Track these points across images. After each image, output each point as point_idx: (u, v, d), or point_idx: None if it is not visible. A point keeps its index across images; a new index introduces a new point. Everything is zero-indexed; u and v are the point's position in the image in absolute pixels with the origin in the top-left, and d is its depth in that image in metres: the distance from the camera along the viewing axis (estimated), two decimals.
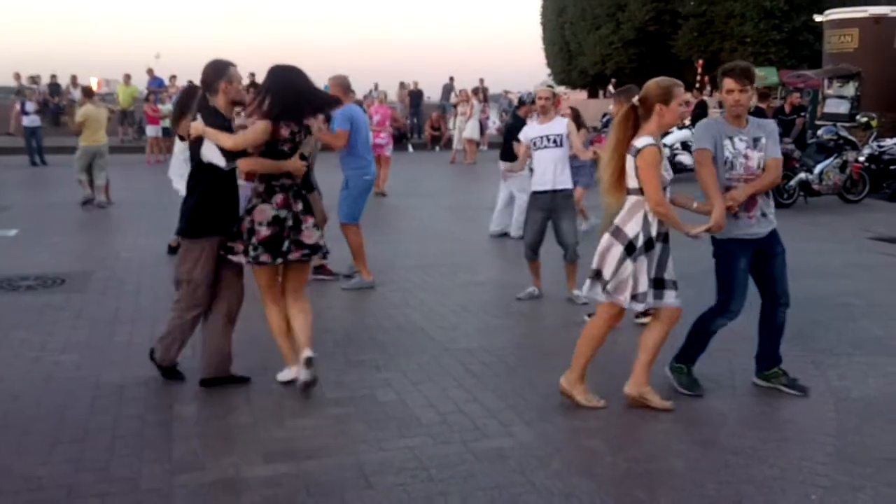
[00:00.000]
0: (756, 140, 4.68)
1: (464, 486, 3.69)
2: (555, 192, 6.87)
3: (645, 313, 6.18)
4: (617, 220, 4.46)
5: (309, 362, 4.66)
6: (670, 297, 4.48)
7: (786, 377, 4.92)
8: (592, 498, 3.62)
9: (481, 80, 26.41)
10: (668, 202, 4.45)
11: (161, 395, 4.78)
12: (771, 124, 4.92)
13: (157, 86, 23.15)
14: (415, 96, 26.63)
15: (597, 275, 4.52)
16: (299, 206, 4.80)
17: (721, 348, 5.23)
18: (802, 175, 12.80)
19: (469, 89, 24.00)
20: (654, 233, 4.37)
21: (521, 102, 9.92)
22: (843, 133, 13.47)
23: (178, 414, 4.49)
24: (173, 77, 23.63)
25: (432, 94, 29.71)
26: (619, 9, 33.10)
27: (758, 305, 4.96)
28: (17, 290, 7.25)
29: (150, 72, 24.66)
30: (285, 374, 4.97)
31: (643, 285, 4.37)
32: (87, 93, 13.29)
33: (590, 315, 6.34)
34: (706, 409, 4.65)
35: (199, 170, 4.73)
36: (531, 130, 7.06)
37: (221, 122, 4.69)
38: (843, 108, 19.07)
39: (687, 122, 16.32)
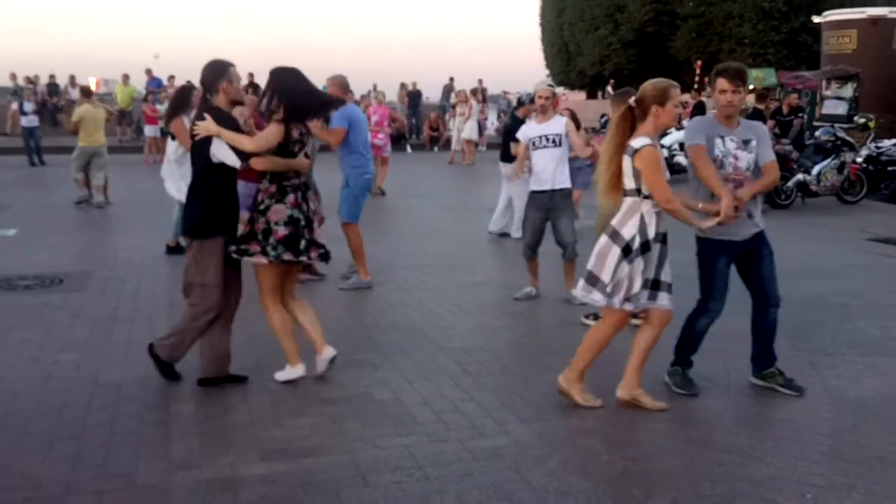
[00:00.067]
0: (746, 142, 4.70)
1: (459, 485, 3.70)
2: (553, 191, 6.88)
3: (635, 315, 6.24)
4: (614, 223, 4.48)
5: (332, 361, 5.03)
6: (664, 299, 4.50)
7: (782, 377, 4.94)
8: (588, 497, 3.63)
9: (480, 81, 26.46)
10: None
11: (159, 393, 4.80)
12: (761, 127, 4.95)
13: (155, 86, 23.18)
14: (413, 97, 26.65)
15: (593, 278, 4.53)
16: (309, 206, 4.91)
17: (716, 348, 5.25)
18: (800, 176, 12.83)
19: (468, 90, 24.02)
20: (651, 234, 4.39)
21: (520, 103, 9.94)
22: (841, 134, 13.50)
23: (176, 412, 4.51)
24: (172, 77, 23.66)
25: (431, 94, 29.77)
26: (618, 10, 33.14)
27: (750, 302, 4.98)
28: (16, 289, 7.27)
29: (148, 72, 24.69)
30: (285, 374, 4.99)
31: (637, 286, 4.39)
32: (86, 93, 13.31)
33: (587, 316, 6.38)
34: (701, 409, 4.67)
35: (209, 170, 4.69)
36: (530, 130, 7.06)
37: (234, 124, 4.72)
38: (841, 109, 19.10)
39: (685, 122, 16.33)
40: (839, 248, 9.73)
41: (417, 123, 26.45)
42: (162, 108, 19.14)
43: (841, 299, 7.16)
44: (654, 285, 4.46)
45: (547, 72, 40.50)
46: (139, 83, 24.49)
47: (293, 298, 5.05)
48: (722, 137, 4.67)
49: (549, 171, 6.85)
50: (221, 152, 4.63)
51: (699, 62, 29.26)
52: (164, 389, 4.86)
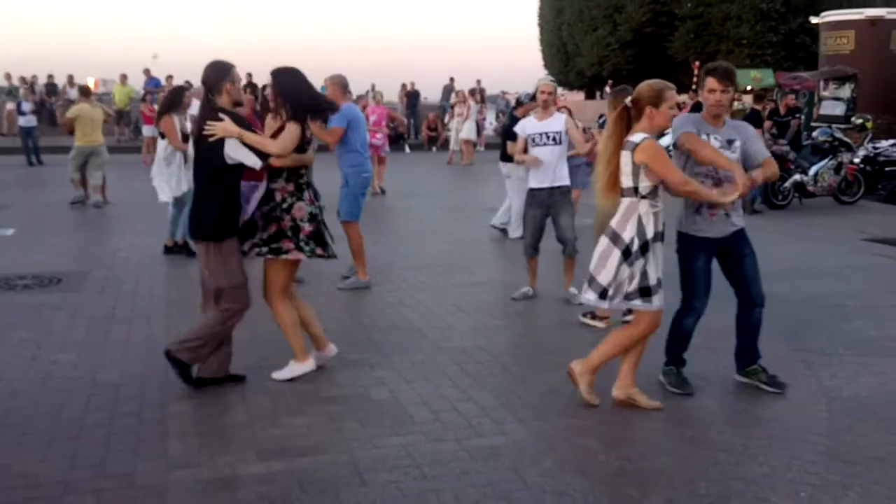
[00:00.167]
0: (730, 142, 4.72)
1: (456, 484, 3.72)
2: (552, 188, 6.89)
3: (629, 311, 6.26)
4: (614, 225, 4.49)
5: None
6: (656, 299, 4.51)
7: (765, 374, 4.96)
8: (585, 496, 3.65)
9: (478, 81, 26.46)
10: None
11: (157, 393, 4.81)
12: (747, 127, 4.97)
13: (153, 86, 23.17)
14: (412, 97, 26.65)
15: (591, 278, 4.55)
16: (320, 203, 5.05)
17: (707, 346, 5.27)
18: (797, 176, 12.84)
19: (466, 90, 24.03)
20: (649, 235, 4.40)
21: (519, 103, 9.95)
22: (838, 135, 13.52)
23: (174, 412, 4.52)
24: (170, 77, 23.66)
25: (430, 94, 29.78)
26: (616, 10, 33.16)
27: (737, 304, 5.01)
28: (14, 289, 7.28)
29: (146, 72, 24.70)
30: (290, 371, 5.03)
31: (635, 285, 4.40)
32: (84, 92, 13.34)
33: (585, 315, 6.40)
34: (697, 408, 4.69)
35: (222, 171, 4.65)
36: (529, 126, 7.03)
37: (248, 126, 4.73)
38: (838, 109, 19.13)
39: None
40: (836, 249, 9.75)
41: (416, 123, 26.46)
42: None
43: (838, 299, 7.18)
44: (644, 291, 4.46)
45: (546, 72, 40.53)
46: (137, 83, 24.49)
47: (293, 297, 5.12)
48: (707, 135, 4.69)
49: (550, 168, 6.86)
50: (239, 153, 4.61)
51: (697, 63, 29.25)
52: (163, 389, 4.87)
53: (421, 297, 7.19)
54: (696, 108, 18.93)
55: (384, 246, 9.30)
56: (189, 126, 8.81)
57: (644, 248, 4.39)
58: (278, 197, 4.89)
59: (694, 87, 28.05)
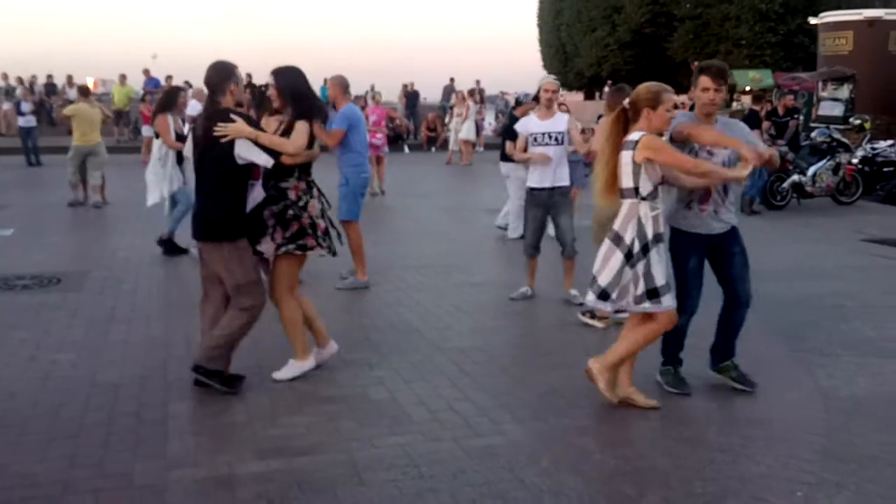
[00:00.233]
0: None
1: (453, 483, 3.73)
2: (553, 189, 6.89)
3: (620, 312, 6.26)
4: (616, 226, 4.50)
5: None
6: (665, 299, 4.52)
7: (736, 371, 4.98)
8: (581, 495, 3.66)
9: (477, 82, 26.50)
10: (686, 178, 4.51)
11: (156, 393, 4.82)
12: (740, 125, 4.99)
13: (153, 86, 23.19)
14: (411, 97, 26.66)
15: (593, 279, 4.57)
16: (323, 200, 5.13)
17: (705, 347, 5.26)
18: (795, 177, 12.86)
19: (465, 91, 24.04)
20: (650, 237, 4.41)
21: (518, 103, 9.97)
22: (836, 135, 13.54)
23: (173, 411, 4.54)
24: (169, 77, 23.68)
25: (430, 94, 29.79)
26: (615, 11, 33.17)
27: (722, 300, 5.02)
28: (14, 289, 7.29)
29: (146, 72, 24.72)
30: (286, 372, 5.05)
31: (641, 288, 4.41)
32: (84, 92, 13.38)
33: (584, 314, 6.41)
34: (694, 408, 4.70)
35: (233, 171, 4.64)
36: (532, 125, 7.00)
37: (258, 127, 4.75)
38: (837, 110, 19.13)
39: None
40: (834, 249, 9.77)
41: (415, 124, 26.48)
42: None
43: (836, 300, 7.19)
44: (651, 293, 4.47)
45: (546, 72, 40.56)
46: (137, 83, 24.51)
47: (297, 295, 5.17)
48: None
49: (551, 168, 6.85)
50: (251, 153, 4.61)
51: (696, 63, 29.27)
52: (161, 389, 4.88)
53: (419, 297, 7.20)
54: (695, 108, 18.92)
55: (383, 246, 9.31)
56: (186, 126, 8.83)
57: (644, 249, 4.40)
58: (292, 195, 4.92)
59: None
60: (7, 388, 4.88)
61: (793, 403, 4.78)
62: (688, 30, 30.35)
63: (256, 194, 4.92)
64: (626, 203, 4.47)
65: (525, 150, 7.00)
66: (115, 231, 10.49)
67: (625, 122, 4.55)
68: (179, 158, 8.77)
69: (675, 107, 4.49)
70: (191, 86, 22.33)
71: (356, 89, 8.42)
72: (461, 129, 21.21)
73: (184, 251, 8.82)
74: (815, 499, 3.64)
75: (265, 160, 4.65)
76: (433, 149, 24.66)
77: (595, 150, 6.29)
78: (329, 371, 5.18)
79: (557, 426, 4.42)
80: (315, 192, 5.05)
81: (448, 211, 12.70)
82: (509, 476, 3.82)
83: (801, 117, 16.57)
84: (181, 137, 8.68)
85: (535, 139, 6.90)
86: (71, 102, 15.75)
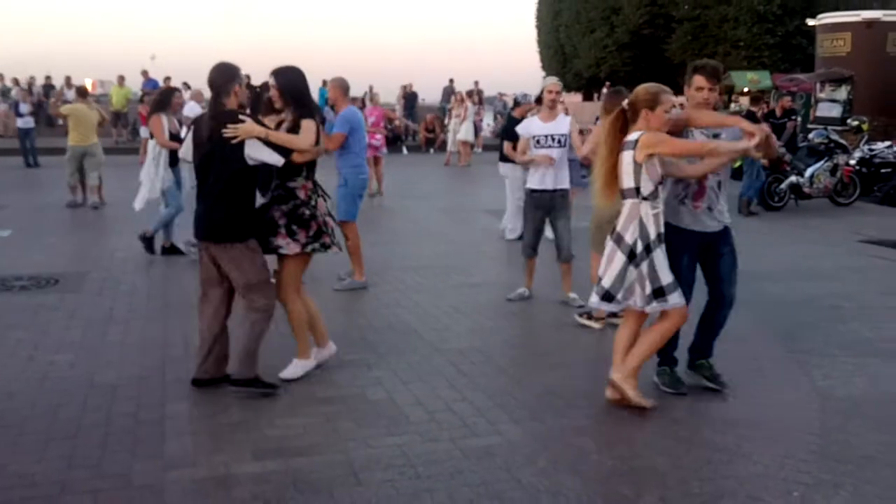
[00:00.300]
0: (715, 136, 4.74)
1: (450, 483, 3.74)
2: (554, 191, 6.88)
3: (613, 315, 6.28)
4: (618, 227, 4.51)
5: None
6: (671, 297, 4.53)
7: (710, 370, 4.97)
8: (578, 495, 3.67)
9: (476, 83, 26.51)
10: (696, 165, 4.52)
11: (154, 393, 4.82)
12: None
13: (151, 87, 23.18)
14: (409, 98, 26.67)
15: (598, 280, 4.59)
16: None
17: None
18: (793, 178, 12.88)
19: (464, 92, 24.06)
20: (652, 236, 4.42)
21: (516, 103, 9.98)
22: (834, 136, 13.57)
23: (171, 412, 4.54)
24: (167, 78, 23.67)
25: (428, 96, 29.80)
26: (614, 12, 33.20)
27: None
28: (11, 290, 7.29)
29: (144, 73, 24.75)
30: (291, 371, 5.07)
31: (648, 289, 4.42)
32: (81, 92, 13.42)
33: (581, 315, 6.42)
34: (690, 408, 4.70)
35: (243, 172, 4.63)
36: (534, 127, 6.98)
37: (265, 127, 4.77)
38: (835, 111, 19.17)
39: None
40: (832, 250, 9.78)
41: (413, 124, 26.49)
42: None
43: (833, 301, 7.21)
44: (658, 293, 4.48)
45: (544, 73, 40.57)
46: (135, 84, 24.52)
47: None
48: (692, 131, 4.71)
49: (552, 171, 6.83)
50: (261, 153, 4.61)
51: None
52: (159, 389, 4.89)
53: (418, 298, 7.21)
54: None
55: (381, 247, 9.32)
56: (184, 129, 8.82)
57: (647, 249, 4.41)
58: (302, 195, 4.96)
59: None
60: (5, 388, 4.88)
61: (789, 404, 4.79)
62: (686, 31, 30.39)
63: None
64: (628, 203, 4.48)
65: (526, 151, 6.98)
66: (113, 232, 10.49)
67: (624, 122, 4.57)
68: (174, 160, 8.77)
69: (674, 107, 4.50)
70: (189, 87, 22.36)
71: (355, 90, 8.41)
72: (459, 131, 21.22)
73: (180, 252, 8.82)
74: (811, 499, 3.65)
75: (276, 159, 4.66)
76: (432, 150, 24.68)
77: (588, 152, 6.32)
78: (327, 372, 5.19)
79: (555, 426, 4.43)
80: (320, 191, 5.11)
81: (446, 212, 12.71)
82: (506, 476, 3.83)
83: (799, 118, 16.61)
84: (176, 138, 8.69)
85: (538, 141, 6.88)
86: (69, 103, 15.73)
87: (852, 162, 14.02)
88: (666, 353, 4.98)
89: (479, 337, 6.06)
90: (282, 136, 4.70)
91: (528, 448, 4.14)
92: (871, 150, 15.11)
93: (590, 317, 6.37)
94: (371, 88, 19.91)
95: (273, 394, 4.79)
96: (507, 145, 9.03)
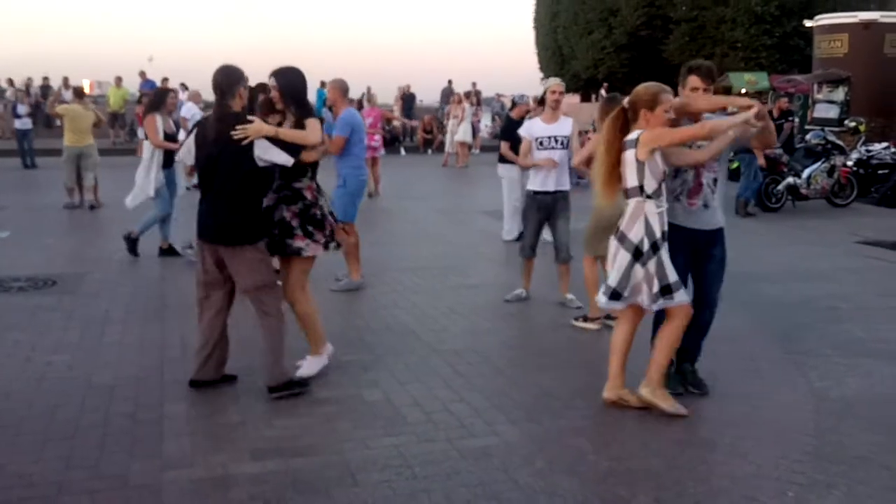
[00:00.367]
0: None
1: (447, 483, 3.76)
2: (556, 192, 6.88)
3: (609, 317, 6.30)
4: (621, 226, 4.52)
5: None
6: (678, 295, 4.54)
7: (693, 375, 4.96)
8: (575, 496, 3.69)
9: (474, 84, 26.53)
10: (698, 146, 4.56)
11: (151, 394, 4.84)
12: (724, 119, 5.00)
13: (148, 88, 23.14)
14: (407, 99, 26.69)
15: (605, 282, 4.60)
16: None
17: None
18: (790, 179, 12.91)
19: (461, 93, 24.08)
20: (658, 234, 4.43)
21: (514, 104, 10.00)
22: (831, 138, 13.59)
23: (168, 412, 4.55)
24: (165, 79, 23.64)
25: (426, 97, 29.79)
26: (611, 14, 33.19)
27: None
28: (9, 291, 7.30)
29: (142, 74, 24.75)
30: (308, 369, 5.12)
31: (656, 287, 4.43)
32: (78, 93, 13.43)
33: (577, 318, 6.44)
34: (686, 408, 4.70)
35: (253, 174, 4.64)
36: (536, 128, 6.96)
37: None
38: (832, 112, 19.19)
39: None
40: (829, 251, 9.81)
41: (411, 126, 26.50)
42: None
43: (830, 302, 7.23)
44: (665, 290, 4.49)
45: (542, 75, 40.58)
46: (132, 85, 24.54)
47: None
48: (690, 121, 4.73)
49: (555, 172, 6.83)
50: (271, 154, 4.62)
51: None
52: (157, 390, 4.90)
53: (415, 299, 7.22)
54: None
55: (379, 248, 9.33)
56: (182, 133, 8.83)
57: (654, 247, 4.42)
58: (309, 196, 5.00)
59: None
60: (3, 389, 4.89)
61: (784, 404, 4.81)
62: (683, 32, 30.38)
63: None
64: (632, 202, 4.49)
65: (529, 153, 6.96)
66: (111, 233, 10.46)
67: (624, 121, 4.58)
68: (169, 161, 8.79)
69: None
70: (186, 88, 22.34)
71: (353, 91, 8.41)
72: (457, 132, 21.24)
73: (177, 254, 8.83)
74: (805, 499, 3.67)
75: (285, 159, 4.67)
76: (429, 151, 24.70)
77: (581, 162, 6.34)
78: (324, 372, 5.20)
79: (552, 427, 4.45)
80: (321, 191, 5.17)
81: (444, 213, 12.72)
82: (503, 477, 3.84)
83: (797, 119, 16.63)
84: (171, 138, 8.72)
85: (541, 143, 6.87)
86: (66, 103, 15.75)
87: (849, 163, 14.04)
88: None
89: (476, 338, 6.08)
90: (291, 133, 4.72)
91: (525, 449, 4.16)
92: (868, 151, 15.14)
93: (585, 319, 6.39)
94: (369, 89, 19.93)
95: (307, 391, 4.84)
96: (503, 146, 9.06)
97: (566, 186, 6.95)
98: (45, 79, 26.48)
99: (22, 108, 18.70)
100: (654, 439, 4.30)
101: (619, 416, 4.60)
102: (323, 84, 21.56)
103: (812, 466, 3.98)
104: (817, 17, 21.99)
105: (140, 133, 19.98)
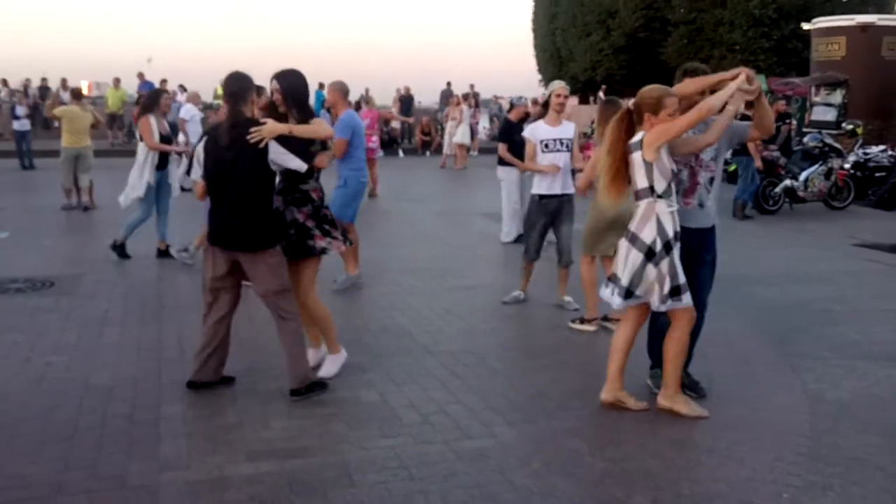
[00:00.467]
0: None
1: (443, 485, 3.77)
2: (562, 196, 6.87)
3: (606, 318, 6.31)
4: (632, 227, 4.53)
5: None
6: (685, 297, 4.55)
7: (688, 378, 4.95)
8: (571, 497, 3.70)
9: (472, 86, 26.55)
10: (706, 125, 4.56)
11: (149, 395, 4.85)
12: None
13: (147, 89, 23.14)
14: (405, 101, 26.71)
15: (614, 277, 4.61)
16: None
17: (696, 352, 5.30)
18: (788, 182, 12.94)
19: (460, 95, 24.10)
20: (670, 234, 4.44)
21: (512, 106, 10.01)
22: (829, 140, 13.63)
23: (166, 414, 4.56)
24: (164, 81, 23.65)
25: (425, 98, 29.79)
26: (610, 16, 33.21)
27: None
28: (7, 292, 7.30)
29: (140, 75, 24.75)
30: (329, 369, 5.19)
31: (667, 287, 4.44)
32: (76, 95, 13.42)
33: (573, 320, 6.46)
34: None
35: (268, 179, 4.67)
36: (541, 131, 6.94)
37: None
38: (830, 115, 19.22)
39: None
40: (827, 254, 9.83)
41: (409, 127, 26.51)
42: None
43: (827, 304, 7.24)
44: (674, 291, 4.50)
45: (540, 76, 40.60)
46: (131, 87, 24.55)
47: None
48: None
49: (560, 175, 6.82)
50: (285, 159, 4.65)
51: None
52: (154, 391, 4.91)
53: (412, 300, 7.23)
54: None
55: (377, 249, 9.33)
56: (182, 137, 8.84)
57: (667, 247, 4.43)
58: (316, 197, 5.03)
59: None
60: (1, 390, 4.90)
61: (780, 407, 4.83)
62: (682, 35, 30.41)
63: None
64: (643, 204, 4.50)
65: (534, 157, 6.93)
66: (108, 234, 10.42)
67: (629, 123, 4.60)
68: (163, 162, 8.79)
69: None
70: (185, 89, 22.35)
71: (351, 93, 8.42)
72: (456, 133, 21.26)
73: (169, 255, 8.84)
74: (800, 501, 3.68)
75: (298, 165, 4.70)
76: (427, 153, 24.72)
77: (585, 184, 6.35)
78: (321, 373, 5.20)
79: (548, 429, 4.46)
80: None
81: (442, 215, 12.74)
82: (500, 478, 3.85)
83: (794, 122, 16.65)
84: (166, 140, 8.75)
85: (546, 145, 6.85)
86: (64, 105, 15.77)
87: (847, 166, 14.07)
88: (658, 355, 5.00)
89: (473, 339, 6.09)
90: (304, 129, 4.77)
91: (522, 450, 4.17)
92: (865, 153, 15.17)
93: (582, 321, 6.41)
94: (367, 91, 19.95)
95: (327, 390, 4.88)
96: (501, 147, 9.07)
97: (572, 190, 6.94)
98: (44, 80, 26.50)
99: (20, 110, 18.70)
100: (651, 441, 4.31)
101: (616, 417, 4.61)
102: (321, 86, 21.57)
103: (807, 468, 3.99)
104: (815, 20, 22.02)
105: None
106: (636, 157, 4.48)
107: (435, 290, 7.64)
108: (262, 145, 4.54)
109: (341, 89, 7.55)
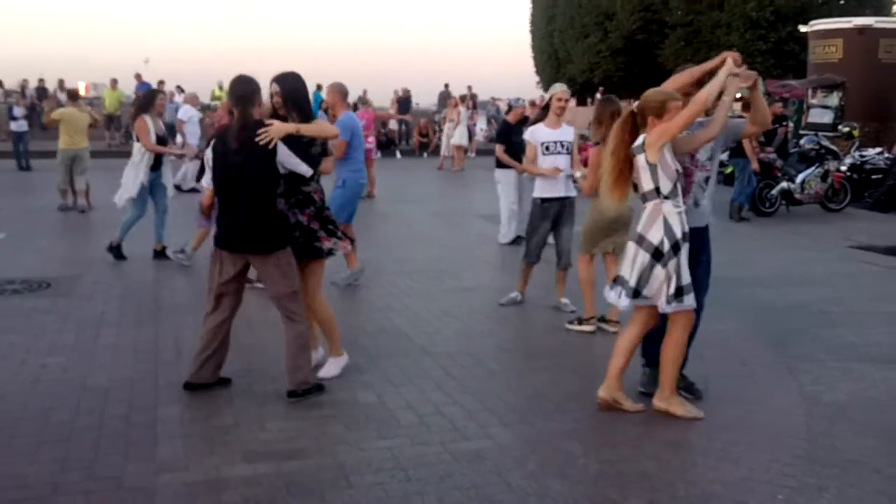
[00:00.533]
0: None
1: (440, 486, 3.77)
2: (564, 199, 6.87)
3: (603, 319, 6.32)
4: (639, 228, 4.54)
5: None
6: (687, 298, 4.56)
7: (684, 380, 4.96)
8: (566, 498, 3.71)
9: (469, 88, 26.57)
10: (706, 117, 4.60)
11: (146, 396, 4.85)
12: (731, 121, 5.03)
13: (144, 90, 23.16)
14: (403, 102, 26.72)
15: (620, 280, 4.61)
16: None
17: (693, 354, 5.31)
18: (784, 184, 12.95)
19: (457, 96, 24.11)
20: (678, 234, 4.45)
21: (510, 108, 10.02)
22: (825, 143, 13.65)
23: (163, 415, 4.56)
24: (161, 82, 23.62)
25: (423, 100, 29.79)
26: (607, 18, 33.29)
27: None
28: (4, 293, 7.30)
29: (138, 76, 24.72)
30: (330, 370, 5.20)
31: (672, 287, 4.44)
32: (73, 96, 13.42)
33: (570, 322, 6.47)
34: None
35: (276, 181, 4.69)
36: (541, 134, 6.92)
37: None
38: (827, 117, 19.26)
39: None
40: (823, 256, 9.85)
41: (407, 129, 26.53)
42: None
43: (823, 306, 7.26)
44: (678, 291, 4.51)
45: (537, 78, 40.66)
46: (128, 88, 24.52)
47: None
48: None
49: (563, 178, 6.82)
50: (291, 162, 4.67)
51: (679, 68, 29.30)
52: (151, 392, 4.91)
53: (410, 301, 7.24)
54: None
55: (374, 251, 9.33)
56: (178, 132, 8.84)
57: (675, 247, 4.43)
58: (318, 198, 5.05)
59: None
60: None
61: (777, 408, 4.84)
62: (679, 37, 30.48)
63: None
64: (649, 205, 4.51)
65: (535, 159, 6.92)
66: (105, 235, 10.43)
67: (633, 125, 4.61)
68: (157, 163, 8.79)
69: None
70: (182, 90, 22.34)
71: (349, 94, 8.44)
72: (453, 135, 21.27)
73: (164, 256, 8.83)
74: (796, 502, 3.69)
75: (304, 169, 4.73)
76: (425, 154, 24.73)
77: (589, 188, 6.34)
78: (318, 375, 5.21)
79: (544, 430, 4.47)
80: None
81: (439, 216, 12.74)
82: (496, 479, 3.86)
83: (791, 124, 16.68)
84: (161, 140, 8.75)
85: (547, 147, 6.84)
86: (62, 106, 15.77)
87: (843, 168, 14.10)
88: (654, 356, 5.00)
89: (469, 340, 6.10)
90: (311, 127, 4.81)
91: (518, 451, 4.18)
92: (861, 156, 15.20)
93: (580, 322, 6.42)
94: (365, 92, 19.96)
95: (323, 392, 4.89)
96: (499, 149, 9.09)
97: (573, 192, 6.95)
98: (41, 80, 26.48)
99: (18, 111, 18.68)
100: (646, 442, 4.32)
101: (612, 419, 4.62)
102: (319, 87, 21.57)
103: (803, 470, 4.00)
104: (812, 23, 22.07)
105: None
106: (640, 160, 4.49)
107: (432, 292, 7.64)
108: (271, 146, 4.55)
109: (340, 91, 7.57)
